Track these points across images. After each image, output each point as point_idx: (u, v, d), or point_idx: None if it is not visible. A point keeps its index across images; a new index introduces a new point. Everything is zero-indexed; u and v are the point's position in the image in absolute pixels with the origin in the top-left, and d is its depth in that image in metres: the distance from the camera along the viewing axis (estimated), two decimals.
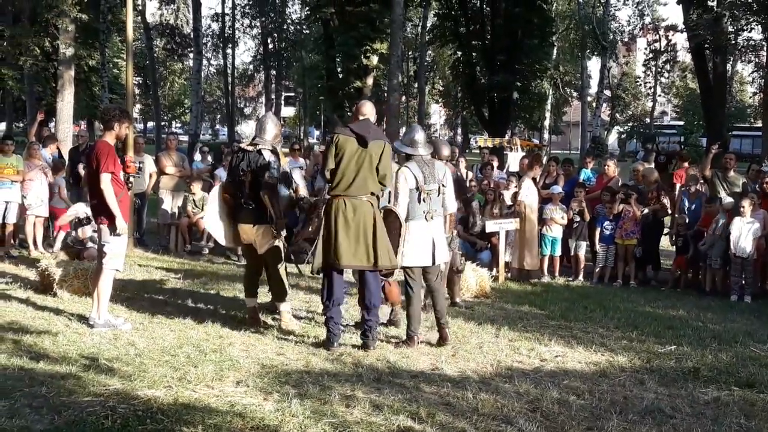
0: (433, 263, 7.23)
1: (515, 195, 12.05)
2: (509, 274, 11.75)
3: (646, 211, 12.00)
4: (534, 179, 12.32)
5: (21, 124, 42.13)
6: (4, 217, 11.82)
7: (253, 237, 7.78)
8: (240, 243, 8.25)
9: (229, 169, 8.13)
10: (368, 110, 7.24)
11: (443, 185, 7.27)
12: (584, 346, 7.45)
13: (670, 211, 12.78)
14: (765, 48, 28.80)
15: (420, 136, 7.30)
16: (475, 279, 10.07)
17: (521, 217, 11.61)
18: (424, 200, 7.10)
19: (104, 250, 7.54)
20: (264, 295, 8.43)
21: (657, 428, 5.15)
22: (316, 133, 64.01)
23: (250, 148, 7.76)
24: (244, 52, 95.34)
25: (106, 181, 7.35)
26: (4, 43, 23.01)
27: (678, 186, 13.78)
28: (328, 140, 7.76)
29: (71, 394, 5.18)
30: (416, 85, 47.24)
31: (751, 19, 24.25)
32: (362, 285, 7.15)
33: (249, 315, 7.92)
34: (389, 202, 7.24)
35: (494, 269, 11.37)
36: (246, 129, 65.37)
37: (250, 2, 50.64)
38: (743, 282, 11.17)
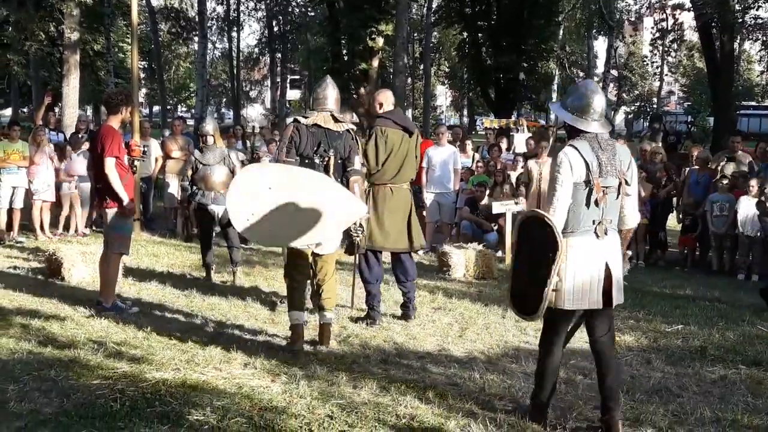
0: (608, 305, 4.65)
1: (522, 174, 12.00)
2: None
3: (661, 192, 12.03)
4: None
5: (26, 110, 42.16)
6: (11, 203, 11.86)
7: (324, 236, 6.21)
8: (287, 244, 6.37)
9: (290, 148, 6.26)
10: (392, 99, 7.55)
11: (626, 182, 4.68)
12: None
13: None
14: None
15: (599, 101, 4.68)
16: (481, 260, 10.08)
17: (541, 196, 11.47)
18: (596, 203, 4.55)
19: (110, 235, 7.55)
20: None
21: (664, 407, 5.15)
22: None
23: (332, 125, 6.36)
24: (249, 35, 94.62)
25: (110, 165, 7.37)
26: (10, 29, 23.01)
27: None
28: (373, 133, 7.18)
29: (80, 377, 5.20)
30: (422, 66, 47.11)
31: None
32: (398, 263, 7.45)
33: (294, 333, 6.34)
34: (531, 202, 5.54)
35: (500, 250, 11.40)
36: (252, 112, 65.26)
37: None
38: (750, 261, 11.17)
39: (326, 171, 6.23)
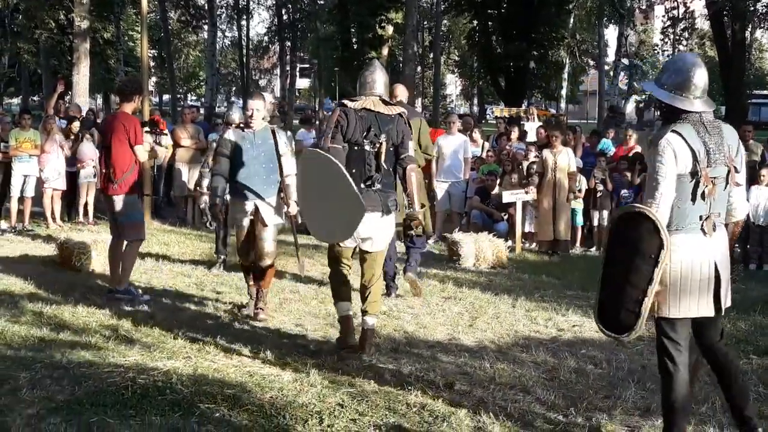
0: (718, 311, 4.13)
1: (536, 164, 11.94)
2: (534, 246, 11.73)
3: None
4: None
5: (36, 98, 42.26)
6: (22, 191, 11.89)
7: (373, 231, 5.79)
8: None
9: (336, 133, 5.70)
10: (401, 92, 7.82)
11: (735, 169, 4.08)
12: None
13: None
14: None
15: (700, 75, 4.07)
16: (491, 249, 10.07)
17: (556, 186, 11.38)
18: (703, 196, 3.97)
19: (121, 225, 7.52)
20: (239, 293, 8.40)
21: None
22: (332, 104, 63.64)
23: (383, 109, 5.79)
24: (259, 23, 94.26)
25: (141, 152, 7.53)
26: (20, 17, 23.08)
27: None
28: None
29: (91, 365, 5.21)
30: (431, 55, 46.90)
31: None
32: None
33: (344, 326, 5.96)
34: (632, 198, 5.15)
35: (511, 240, 11.38)
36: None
37: None
38: (762, 251, 11.12)
39: (377, 158, 5.71)
